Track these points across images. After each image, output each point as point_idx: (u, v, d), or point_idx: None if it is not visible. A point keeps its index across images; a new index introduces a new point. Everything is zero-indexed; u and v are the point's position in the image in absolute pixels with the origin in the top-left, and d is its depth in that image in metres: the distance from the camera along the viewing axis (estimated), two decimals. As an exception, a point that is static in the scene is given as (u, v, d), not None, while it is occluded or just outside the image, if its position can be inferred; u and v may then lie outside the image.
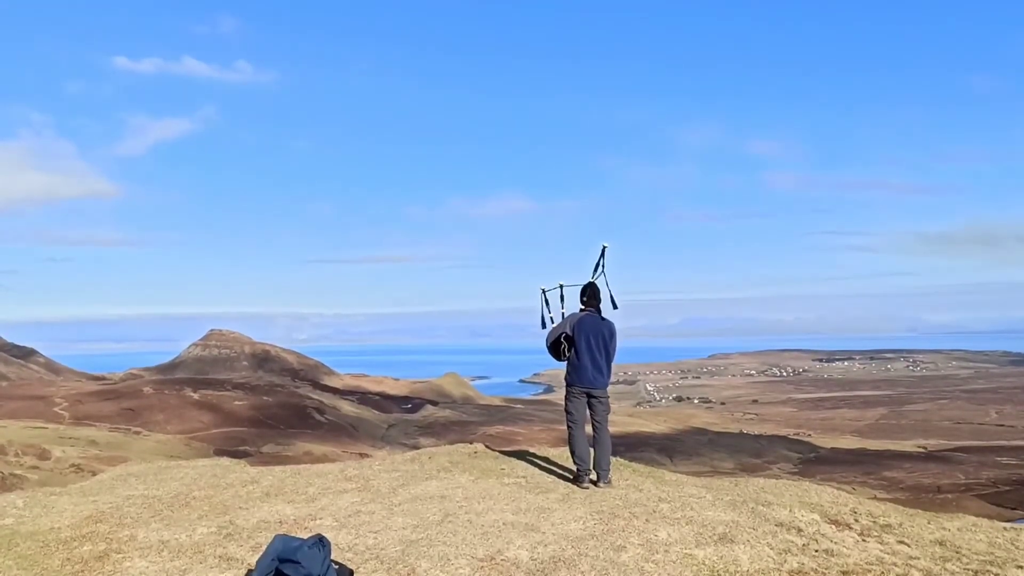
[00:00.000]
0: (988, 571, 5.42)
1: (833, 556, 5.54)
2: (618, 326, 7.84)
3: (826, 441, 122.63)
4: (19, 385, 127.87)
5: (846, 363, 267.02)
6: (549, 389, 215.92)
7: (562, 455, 8.85)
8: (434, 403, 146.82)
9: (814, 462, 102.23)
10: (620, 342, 7.88)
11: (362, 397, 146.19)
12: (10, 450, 72.54)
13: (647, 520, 6.17)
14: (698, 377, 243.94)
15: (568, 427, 7.72)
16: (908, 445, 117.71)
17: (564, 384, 7.93)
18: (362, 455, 68.53)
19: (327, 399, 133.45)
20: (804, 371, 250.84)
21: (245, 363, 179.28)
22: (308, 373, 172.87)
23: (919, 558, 5.64)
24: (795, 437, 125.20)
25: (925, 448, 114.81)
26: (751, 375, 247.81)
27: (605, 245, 7.87)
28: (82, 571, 5.27)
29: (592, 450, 7.71)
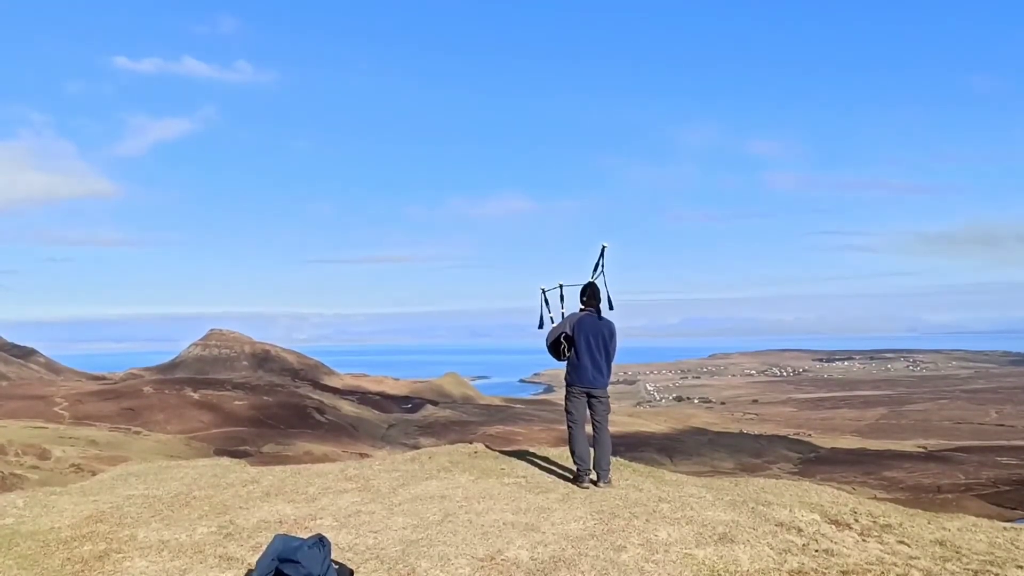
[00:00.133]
0: (988, 571, 5.42)
1: (833, 556, 5.54)
2: (618, 326, 7.83)
3: (826, 441, 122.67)
4: (19, 385, 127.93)
5: (846, 363, 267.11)
6: (549, 389, 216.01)
7: (562, 455, 8.85)
8: (434, 403, 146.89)
9: (814, 462, 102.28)
10: (620, 342, 7.87)
11: (362, 397, 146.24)
12: (10, 450, 72.57)
13: (647, 520, 6.17)
14: (698, 377, 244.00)
15: (568, 427, 7.72)
16: (908, 445, 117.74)
17: (564, 384, 7.93)
18: (362, 455, 68.52)
19: (327, 399, 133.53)
20: (804, 371, 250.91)
21: (245, 363, 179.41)
22: (308, 373, 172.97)
23: (919, 558, 5.64)
24: (795, 437, 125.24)
25: (925, 448, 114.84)
26: (751, 375, 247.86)
27: (605, 245, 7.87)
28: (82, 571, 5.27)
29: (592, 450, 7.71)
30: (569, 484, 7.53)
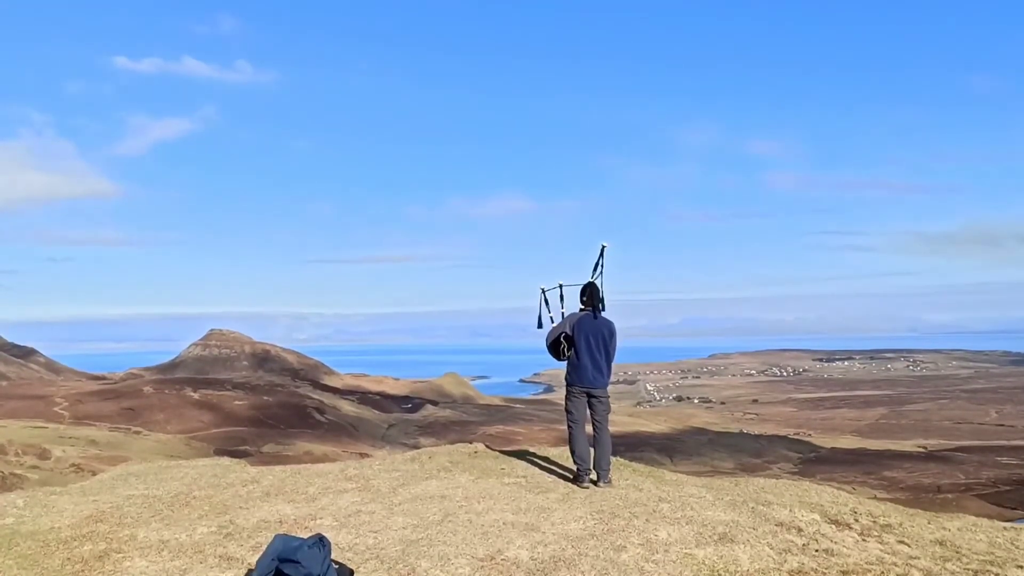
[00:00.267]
0: (988, 571, 5.42)
1: (833, 556, 5.54)
2: (618, 326, 7.83)
3: (826, 441, 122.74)
4: (19, 385, 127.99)
5: (846, 363, 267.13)
6: (549, 389, 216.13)
7: (562, 455, 8.85)
8: (434, 403, 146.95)
9: (814, 462, 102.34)
10: (620, 342, 7.87)
11: (362, 397, 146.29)
12: (10, 450, 72.62)
13: (647, 520, 6.17)
14: (698, 377, 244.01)
15: (568, 427, 7.72)
16: (908, 445, 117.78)
17: (564, 384, 7.93)
18: (362, 455, 68.54)
19: (327, 399, 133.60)
20: (804, 371, 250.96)
21: (245, 363, 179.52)
22: (308, 373, 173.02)
23: (919, 558, 5.64)
24: (795, 437, 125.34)
25: (925, 448, 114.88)
26: (751, 375, 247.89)
27: (604, 245, 7.87)
28: (82, 571, 5.27)
29: (592, 450, 7.71)
30: (569, 484, 7.53)
